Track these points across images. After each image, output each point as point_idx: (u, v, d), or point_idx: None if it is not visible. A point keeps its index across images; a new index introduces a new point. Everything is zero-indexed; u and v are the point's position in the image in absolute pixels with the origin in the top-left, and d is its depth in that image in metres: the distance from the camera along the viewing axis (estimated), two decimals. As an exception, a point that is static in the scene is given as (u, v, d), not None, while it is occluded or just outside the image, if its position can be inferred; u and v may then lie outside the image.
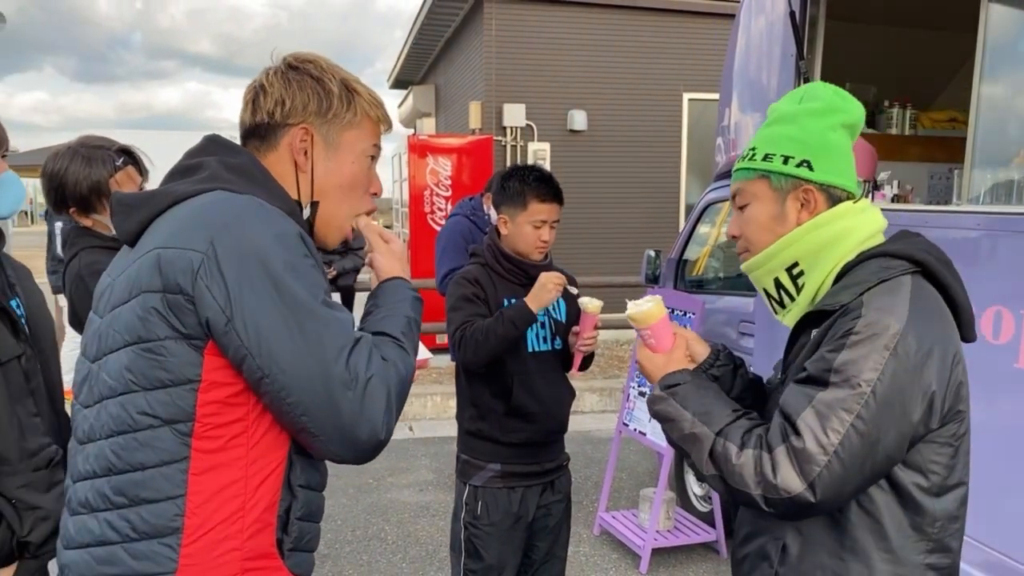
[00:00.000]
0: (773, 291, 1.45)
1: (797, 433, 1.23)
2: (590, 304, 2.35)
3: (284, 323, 1.13)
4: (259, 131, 1.32)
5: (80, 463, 1.22)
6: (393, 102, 16.82)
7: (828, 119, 1.41)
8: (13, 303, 1.76)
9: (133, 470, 1.17)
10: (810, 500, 1.22)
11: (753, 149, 1.45)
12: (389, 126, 1.41)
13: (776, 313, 1.46)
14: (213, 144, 1.32)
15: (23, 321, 1.78)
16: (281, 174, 1.32)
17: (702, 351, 1.58)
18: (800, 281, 1.40)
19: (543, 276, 2.35)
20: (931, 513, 1.28)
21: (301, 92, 1.31)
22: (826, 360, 1.25)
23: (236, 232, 1.15)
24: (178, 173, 1.29)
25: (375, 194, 1.43)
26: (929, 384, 1.23)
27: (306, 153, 1.32)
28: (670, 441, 1.41)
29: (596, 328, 2.41)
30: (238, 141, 1.36)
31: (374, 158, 1.40)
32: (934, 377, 1.24)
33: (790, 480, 1.22)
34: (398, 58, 14.50)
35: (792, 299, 1.42)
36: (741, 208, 1.48)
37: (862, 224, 1.39)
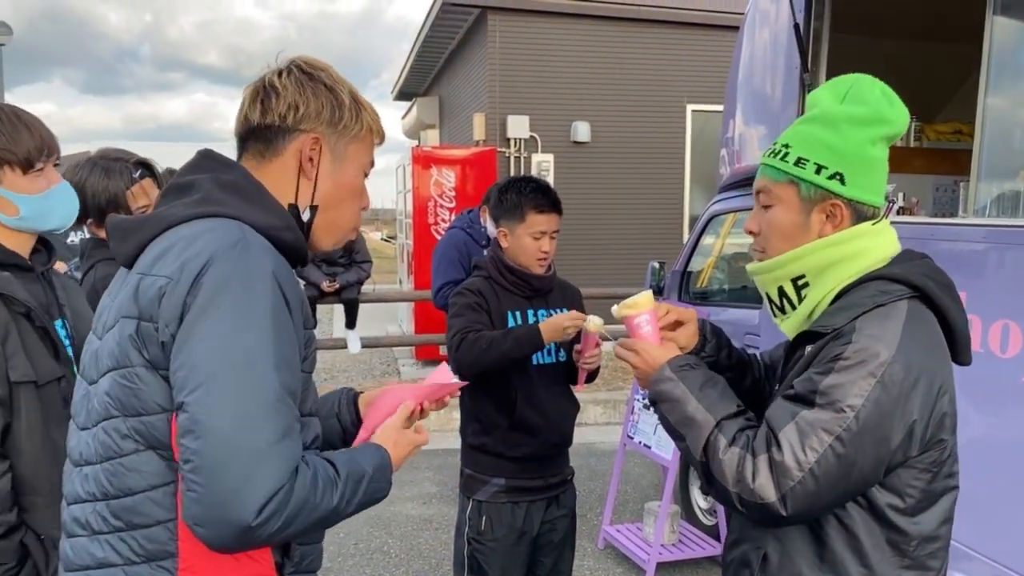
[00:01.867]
0: (775, 297, 1.45)
1: (779, 446, 1.26)
2: (591, 324, 2.32)
3: (221, 363, 1.07)
4: (265, 133, 1.29)
5: (78, 485, 1.21)
6: (397, 114, 16.88)
7: (871, 131, 1.35)
8: (57, 324, 1.73)
9: (123, 496, 1.16)
10: (780, 512, 1.25)
11: (787, 147, 1.40)
12: (383, 140, 1.40)
13: (775, 317, 1.47)
14: (206, 160, 1.31)
15: (67, 342, 1.74)
16: (281, 180, 1.30)
17: (687, 343, 1.58)
18: (803, 293, 1.40)
19: (563, 316, 2.31)
20: (908, 532, 1.30)
21: (316, 99, 1.29)
22: (813, 381, 1.27)
23: (209, 262, 1.12)
24: (172, 192, 1.28)
25: (363, 208, 1.42)
26: (911, 413, 1.24)
27: (312, 160, 1.30)
28: (665, 424, 1.42)
29: (598, 346, 2.38)
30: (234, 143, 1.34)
31: (367, 174, 1.39)
32: (917, 407, 1.25)
33: (766, 488, 1.25)
34: (402, 70, 14.56)
35: (793, 308, 1.42)
36: (765, 207, 1.44)
37: (875, 247, 1.37)
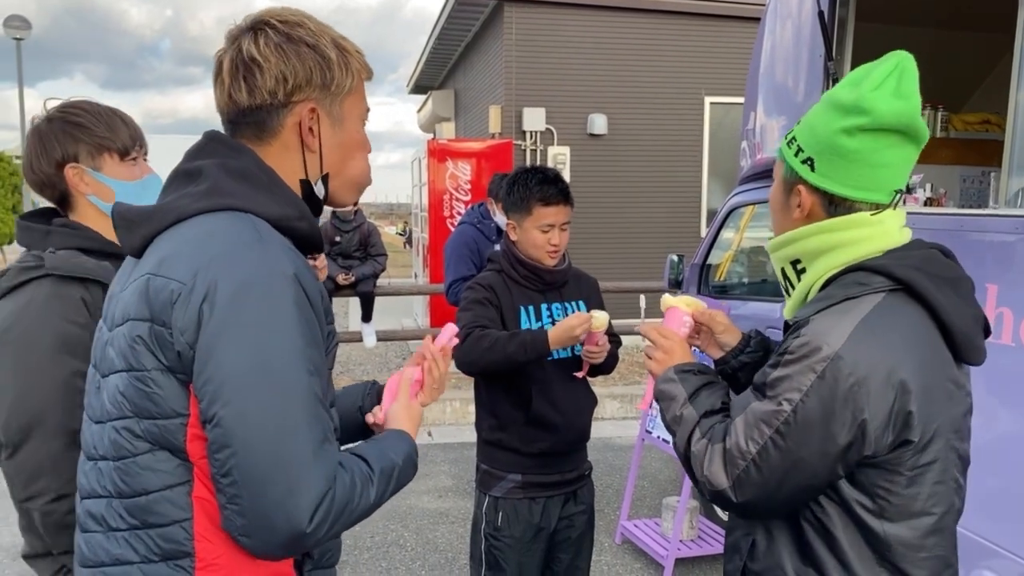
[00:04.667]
0: (781, 278, 1.46)
1: (730, 435, 1.30)
2: (595, 320, 2.28)
3: (253, 373, 1.04)
4: (257, 115, 1.21)
5: (94, 480, 1.18)
6: (409, 108, 16.89)
7: (846, 120, 1.28)
8: None
9: (138, 495, 1.13)
10: (732, 499, 1.29)
11: (798, 123, 1.40)
12: (371, 74, 1.31)
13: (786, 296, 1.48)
14: (213, 143, 1.23)
15: None
16: (286, 160, 1.23)
17: (731, 340, 1.64)
18: (801, 276, 1.40)
19: (573, 321, 2.25)
20: (881, 536, 1.27)
21: (302, 64, 1.19)
22: (765, 373, 1.29)
23: (224, 269, 1.07)
24: (179, 178, 1.22)
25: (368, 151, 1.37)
26: (860, 411, 1.20)
27: (313, 131, 1.23)
28: (663, 422, 1.46)
29: (599, 344, 2.33)
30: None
31: (365, 121, 1.33)
32: (867, 405, 1.20)
33: (718, 475, 1.30)
34: (418, 63, 14.54)
35: (793, 289, 1.42)
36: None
37: (870, 237, 1.32)
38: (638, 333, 1.66)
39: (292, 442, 1.05)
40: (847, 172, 1.31)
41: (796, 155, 1.36)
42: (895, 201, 1.33)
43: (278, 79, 1.18)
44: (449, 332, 1.51)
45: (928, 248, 1.35)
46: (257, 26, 1.20)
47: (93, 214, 1.67)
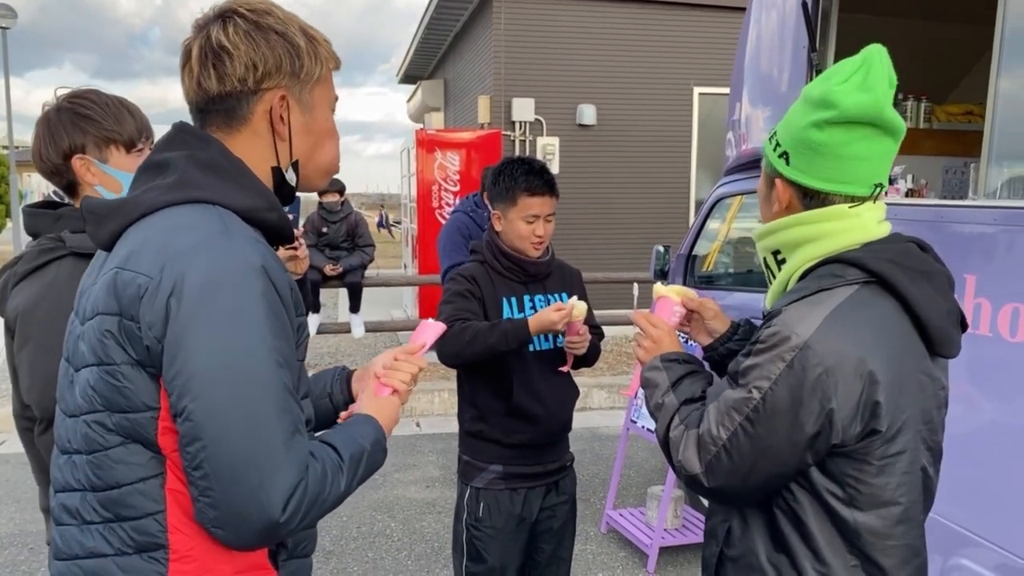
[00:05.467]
0: (764, 268, 1.48)
1: (704, 421, 1.32)
2: (574, 309, 2.29)
3: (222, 366, 1.05)
4: (226, 102, 1.20)
5: (68, 473, 1.18)
6: (400, 97, 16.89)
7: (815, 114, 1.30)
8: None
9: (111, 488, 1.13)
10: (704, 484, 1.31)
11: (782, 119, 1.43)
12: (339, 64, 1.31)
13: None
14: (182, 135, 1.22)
15: None
16: (256, 148, 1.23)
17: (720, 327, 1.66)
18: (781, 267, 1.42)
19: (551, 311, 2.26)
20: (851, 524, 1.29)
21: (272, 51, 1.19)
22: (738, 362, 1.32)
23: (191, 262, 1.07)
24: (148, 170, 1.21)
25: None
26: (828, 400, 1.22)
27: (283, 119, 1.22)
28: (648, 409, 1.49)
29: (580, 334, 2.33)
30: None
31: (334, 108, 1.33)
32: (834, 395, 1.22)
33: (691, 460, 1.32)
34: (407, 53, 14.46)
35: (774, 279, 1.45)
36: None
37: (847, 230, 1.33)
38: (627, 323, 1.69)
39: (263, 434, 1.05)
40: (819, 165, 1.32)
41: (774, 149, 1.39)
42: (874, 194, 1.34)
43: (248, 66, 1.18)
44: (436, 329, 1.49)
45: (905, 242, 1.36)
46: (225, 14, 1.20)
47: None
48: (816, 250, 1.35)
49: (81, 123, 1.69)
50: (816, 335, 1.23)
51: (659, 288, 1.65)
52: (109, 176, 1.72)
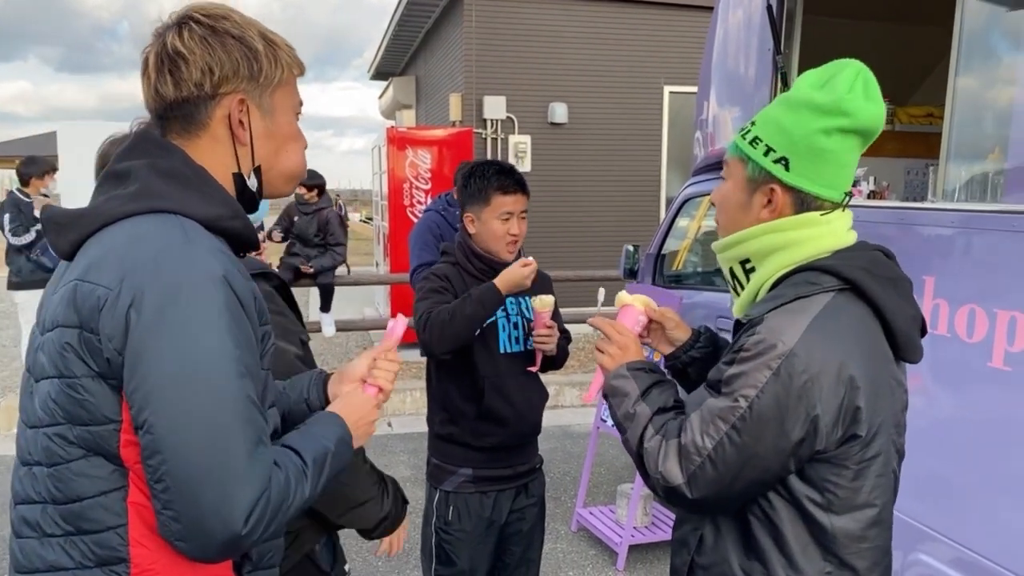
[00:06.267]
0: (730, 277, 1.48)
1: (685, 431, 1.30)
2: (536, 301, 2.32)
3: (182, 378, 1.04)
4: (184, 108, 1.19)
5: (28, 485, 1.16)
6: (374, 93, 16.75)
7: (826, 121, 1.32)
8: None
9: (72, 501, 1.12)
10: (687, 495, 1.29)
11: (752, 124, 1.41)
12: (304, 70, 1.31)
13: (735, 296, 1.50)
14: (144, 143, 1.21)
15: None
16: (216, 153, 1.22)
17: (682, 336, 1.65)
18: (750, 276, 1.42)
19: (517, 266, 2.30)
20: (828, 529, 1.30)
21: (228, 56, 1.18)
22: (720, 370, 1.31)
23: (150, 273, 1.06)
24: (109, 180, 1.20)
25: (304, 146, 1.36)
26: (813, 407, 1.23)
27: (243, 124, 1.22)
28: (613, 418, 1.46)
29: (548, 327, 2.36)
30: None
31: (299, 113, 1.32)
32: (819, 401, 1.23)
33: (673, 471, 1.30)
34: (379, 49, 14.38)
35: (742, 289, 1.44)
36: (723, 179, 1.47)
37: (819, 237, 1.35)
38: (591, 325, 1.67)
39: (224, 446, 1.05)
40: (822, 171, 1.34)
41: (766, 155, 1.36)
42: (844, 202, 1.36)
43: (204, 71, 1.17)
44: (401, 324, 1.50)
45: (873, 250, 1.39)
46: (182, 21, 1.20)
47: None
48: (788, 258, 1.36)
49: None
50: (801, 342, 1.24)
51: (623, 296, 1.65)
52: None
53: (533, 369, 2.43)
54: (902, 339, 1.34)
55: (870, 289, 1.30)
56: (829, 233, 1.35)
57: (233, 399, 1.07)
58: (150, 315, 1.04)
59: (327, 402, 1.46)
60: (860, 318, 1.31)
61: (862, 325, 1.31)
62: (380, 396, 1.40)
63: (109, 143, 2.23)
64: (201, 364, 1.05)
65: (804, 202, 1.36)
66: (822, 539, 1.30)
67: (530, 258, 2.34)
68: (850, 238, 1.38)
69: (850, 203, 1.39)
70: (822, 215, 1.35)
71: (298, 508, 1.14)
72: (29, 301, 6.20)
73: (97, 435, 1.10)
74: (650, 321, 1.67)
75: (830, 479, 1.28)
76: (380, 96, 15.98)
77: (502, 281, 2.28)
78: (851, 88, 1.32)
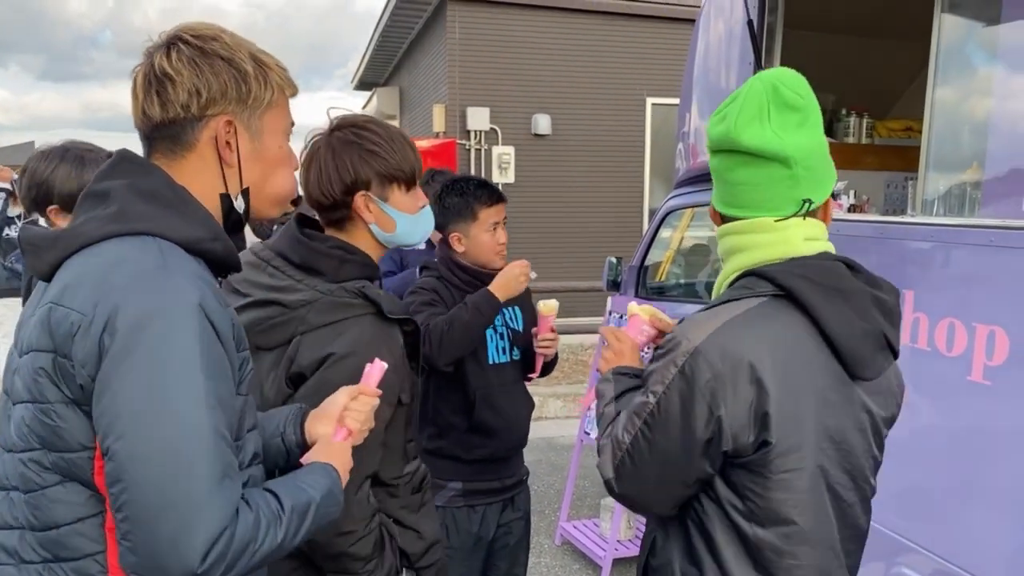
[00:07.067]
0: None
1: (616, 425, 1.35)
2: (544, 306, 2.33)
3: (148, 407, 1.02)
4: (171, 129, 1.18)
5: (5, 511, 1.13)
6: (357, 103, 16.73)
7: (709, 141, 1.38)
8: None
9: (49, 528, 1.10)
10: (615, 488, 1.35)
11: None
12: (296, 91, 1.30)
13: None
14: (124, 162, 1.20)
15: None
16: (202, 176, 1.20)
17: None
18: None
19: (509, 265, 2.31)
20: (751, 539, 1.28)
21: (216, 77, 1.17)
22: (647, 367, 1.35)
23: (124, 299, 1.04)
24: (88, 200, 1.18)
25: (295, 168, 1.36)
26: (717, 406, 1.23)
27: (230, 145, 1.20)
28: (597, 420, 1.50)
29: (552, 330, 2.37)
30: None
31: (289, 135, 1.31)
32: (723, 401, 1.23)
33: (605, 465, 1.35)
34: (362, 59, 14.38)
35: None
36: None
37: (771, 243, 1.33)
38: (582, 332, 1.72)
39: (185, 478, 1.02)
40: (716, 188, 1.41)
41: None
42: (801, 211, 1.32)
43: (191, 92, 1.16)
44: (378, 368, 1.46)
45: (832, 260, 1.35)
46: (171, 42, 1.19)
47: (368, 242, 1.69)
48: (743, 260, 1.36)
49: (369, 159, 1.64)
50: (707, 341, 1.24)
51: (631, 307, 1.68)
52: (386, 215, 1.68)
53: (533, 376, 2.45)
54: (845, 353, 1.29)
55: (805, 297, 1.27)
56: (782, 240, 1.33)
57: (199, 431, 1.04)
58: (122, 341, 1.03)
59: (303, 439, 1.42)
60: (787, 325, 1.28)
61: (787, 332, 1.28)
62: (350, 439, 1.38)
63: (37, 159, 2.20)
64: (168, 394, 1.03)
65: (723, 218, 1.41)
66: (748, 549, 1.29)
67: (523, 260, 2.35)
68: (808, 248, 1.34)
69: (808, 213, 1.34)
70: (776, 221, 1.32)
71: (268, 554, 1.10)
72: (5, 314, 6.09)
73: (71, 462, 1.08)
74: (659, 332, 1.66)
75: (749, 486, 1.27)
76: (364, 107, 15.97)
77: (497, 285, 2.28)
78: (730, 104, 1.34)
